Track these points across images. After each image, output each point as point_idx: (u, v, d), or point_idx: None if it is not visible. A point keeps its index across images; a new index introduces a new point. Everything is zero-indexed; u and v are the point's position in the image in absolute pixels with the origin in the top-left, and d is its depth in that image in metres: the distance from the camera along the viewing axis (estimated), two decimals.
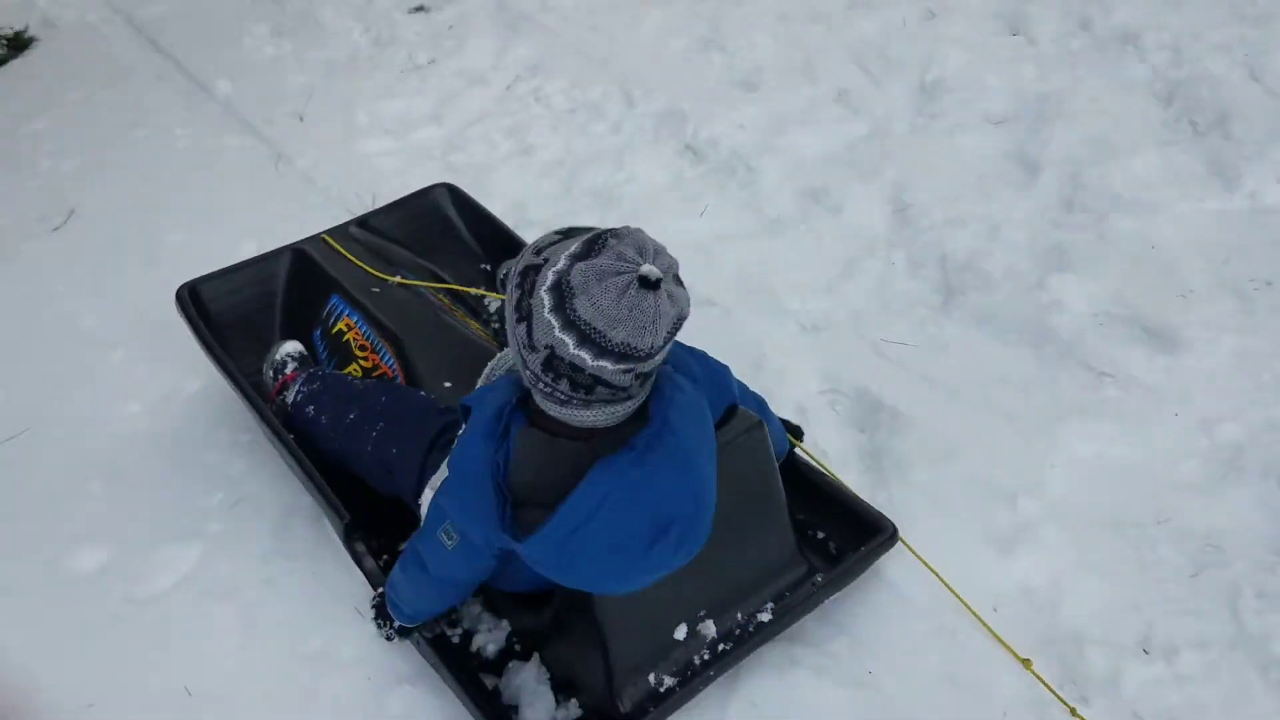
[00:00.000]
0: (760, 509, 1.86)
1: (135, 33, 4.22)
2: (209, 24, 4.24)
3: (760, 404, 1.95)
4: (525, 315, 1.37)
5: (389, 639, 1.89)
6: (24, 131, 3.54)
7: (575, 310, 1.31)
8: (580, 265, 1.31)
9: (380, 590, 1.90)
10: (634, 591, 1.58)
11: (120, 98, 3.79)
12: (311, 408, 2.13)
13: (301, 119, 3.59)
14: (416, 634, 1.86)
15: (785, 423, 2.09)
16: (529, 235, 2.76)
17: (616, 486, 1.43)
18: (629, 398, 1.44)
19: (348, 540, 1.98)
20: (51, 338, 2.73)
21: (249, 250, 2.70)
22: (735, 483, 1.69)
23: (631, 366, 1.36)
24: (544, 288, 1.34)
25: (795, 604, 1.87)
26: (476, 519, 1.54)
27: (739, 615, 1.85)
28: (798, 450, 2.09)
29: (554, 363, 1.37)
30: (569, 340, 1.33)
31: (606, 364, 1.34)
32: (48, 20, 4.41)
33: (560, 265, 1.33)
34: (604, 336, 1.31)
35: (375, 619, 1.90)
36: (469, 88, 3.70)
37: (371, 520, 2.00)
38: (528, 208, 3.10)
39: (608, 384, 1.38)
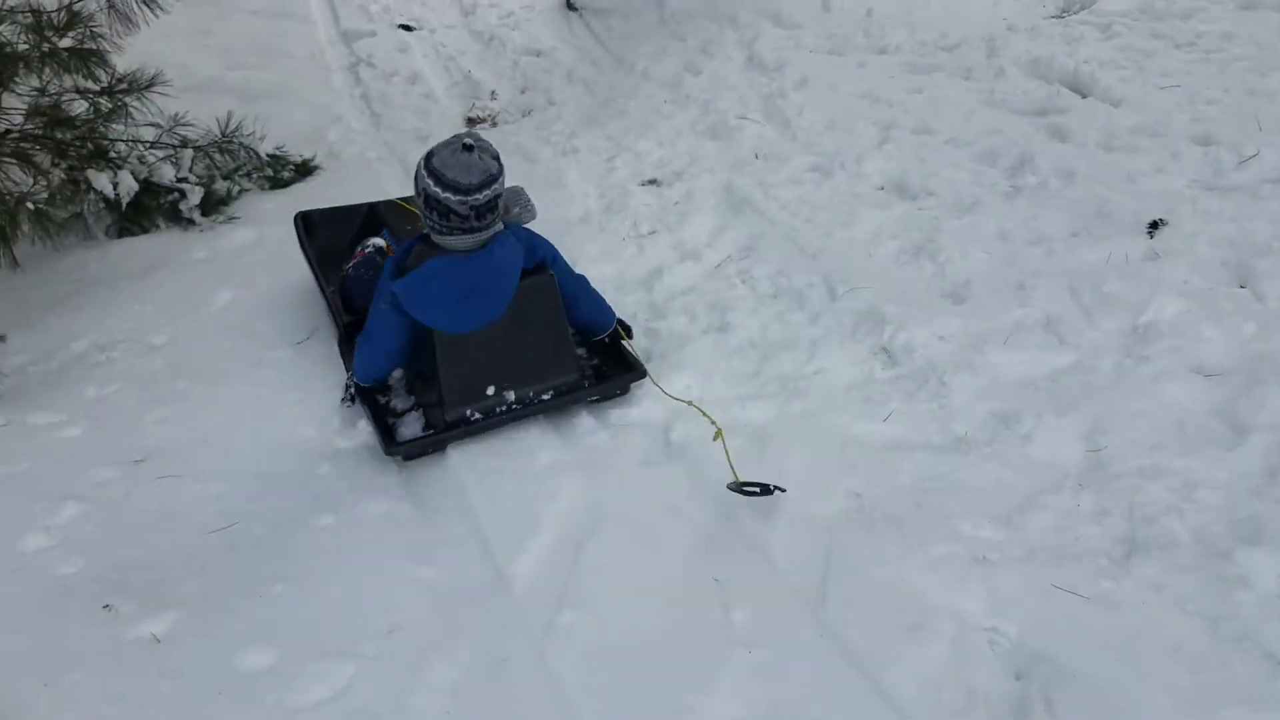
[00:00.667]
0: (548, 329, 3.05)
1: (404, 172, 4.70)
2: None
3: (581, 282, 3.21)
4: (416, 180, 2.76)
5: (348, 403, 3.06)
6: (288, 256, 3.99)
7: (431, 164, 2.70)
8: (437, 145, 2.73)
9: (350, 374, 3.06)
10: (460, 338, 2.87)
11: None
12: (352, 271, 3.35)
13: None
14: (358, 400, 3.03)
15: (621, 321, 3.37)
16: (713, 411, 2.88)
17: (450, 264, 2.77)
18: (471, 230, 2.76)
19: (341, 342, 3.23)
20: (274, 441, 3.02)
21: None
22: (531, 306, 2.98)
23: (464, 199, 2.70)
24: (422, 162, 2.73)
25: (568, 393, 3.07)
26: (387, 280, 2.82)
27: (530, 392, 3.03)
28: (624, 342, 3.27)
29: (426, 198, 2.72)
30: (430, 181, 2.69)
31: (450, 195, 2.69)
32: (333, 152, 5.00)
33: (431, 149, 2.75)
34: (442, 176, 2.68)
35: (343, 399, 3.06)
36: (682, 261, 3.89)
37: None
38: (714, 383, 3.21)
39: (455, 212, 2.72)
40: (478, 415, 2.94)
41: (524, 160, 4.81)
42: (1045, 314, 3.38)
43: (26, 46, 3.56)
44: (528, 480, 2.86)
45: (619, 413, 3.13)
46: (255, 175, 4.46)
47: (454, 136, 2.74)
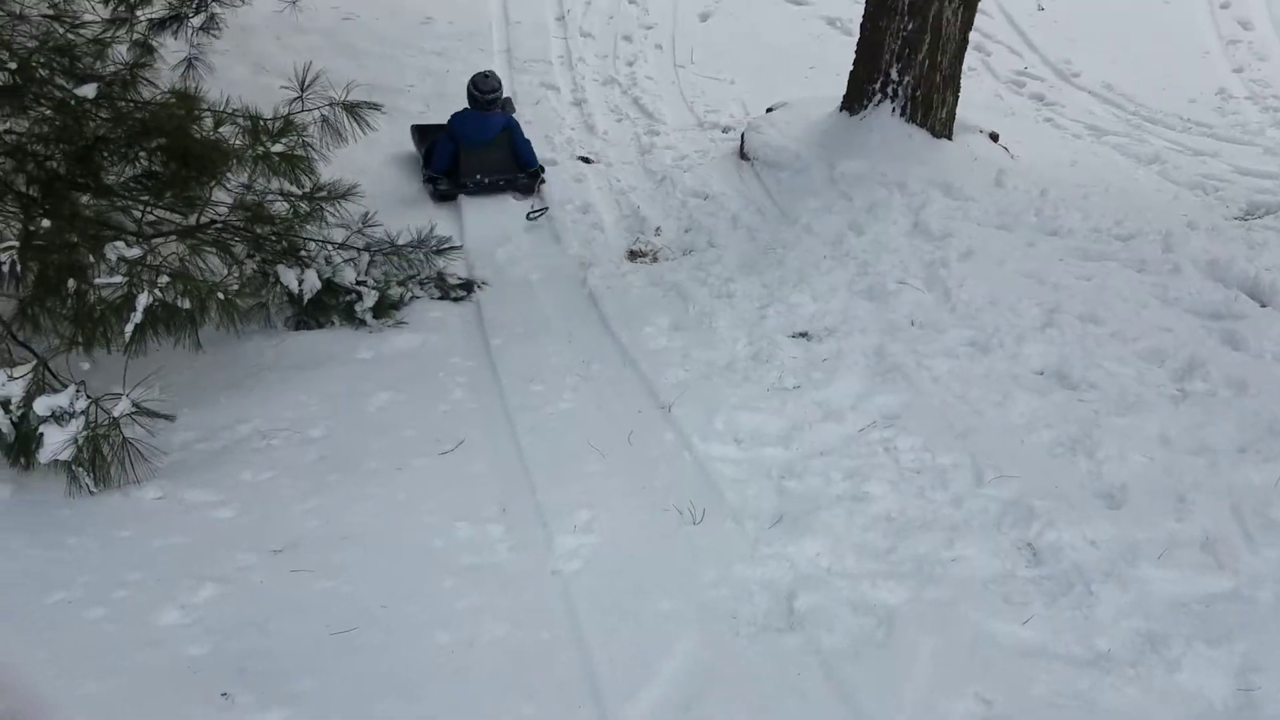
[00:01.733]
0: (505, 153, 6.23)
1: (557, 298, 4.86)
2: (624, 304, 4.80)
3: (526, 143, 6.34)
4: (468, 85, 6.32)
5: (431, 183, 6.05)
6: (447, 363, 4.15)
7: (474, 78, 6.29)
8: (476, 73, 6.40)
9: (427, 172, 6.11)
10: (473, 149, 6.16)
11: (531, 350, 4.35)
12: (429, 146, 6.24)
13: (669, 409, 3.91)
14: (434, 184, 6.05)
15: (540, 166, 6.27)
16: None
17: (473, 114, 6.23)
18: (484, 104, 6.23)
19: (427, 179, 6.11)
20: (406, 548, 3.09)
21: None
22: (501, 142, 6.22)
23: (482, 91, 6.25)
24: (470, 79, 6.33)
25: (507, 185, 6.14)
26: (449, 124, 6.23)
27: (500, 181, 6.09)
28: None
29: (469, 89, 6.27)
30: (470, 85, 6.28)
31: (475, 89, 6.24)
32: (499, 269, 5.21)
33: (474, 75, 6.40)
34: (476, 83, 6.25)
35: (425, 183, 6.11)
36: (824, 420, 3.86)
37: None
38: (844, 554, 3.14)
39: (477, 93, 6.24)
40: (473, 183, 6.10)
41: (678, 298, 4.91)
42: (1204, 532, 3.20)
43: (241, 145, 3.88)
44: (645, 623, 2.83)
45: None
46: (426, 284, 4.68)
47: (483, 71, 6.43)
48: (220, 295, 3.25)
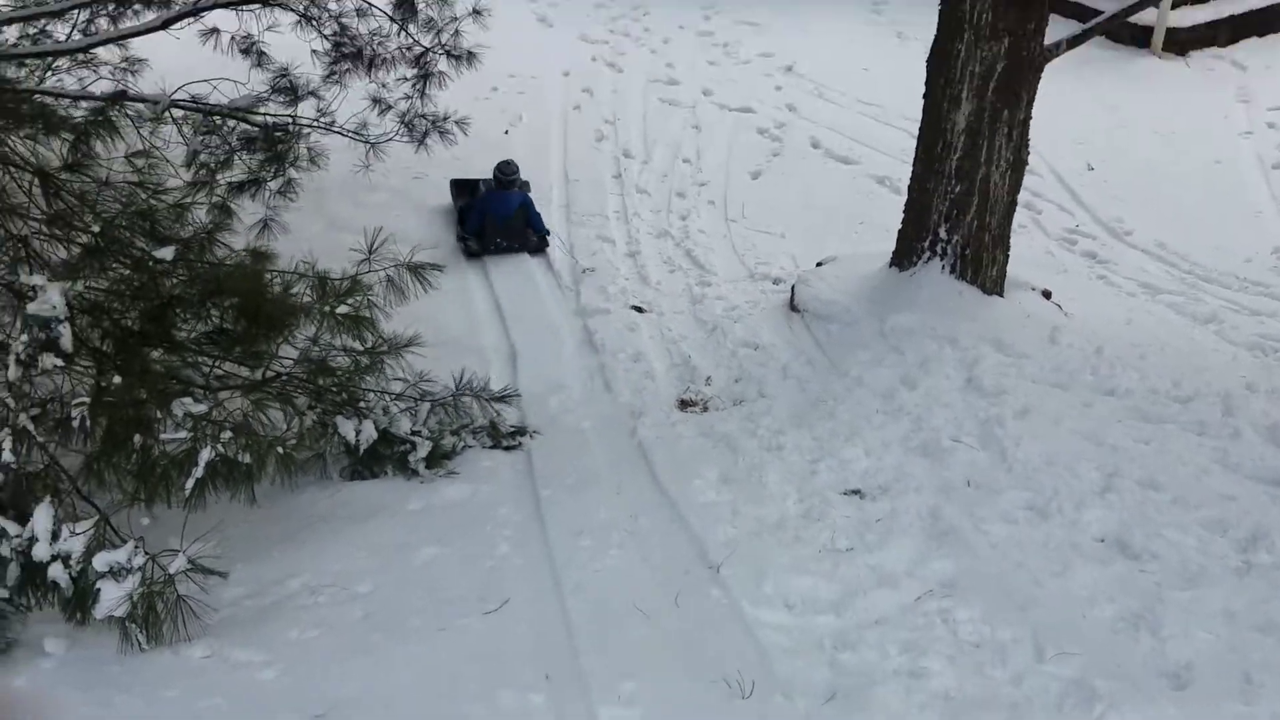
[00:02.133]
0: (520, 224, 7.53)
1: (608, 449, 4.89)
2: (673, 455, 4.81)
3: (537, 216, 7.66)
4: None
5: (463, 242, 7.53)
6: (496, 514, 4.16)
7: (497, 165, 7.67)
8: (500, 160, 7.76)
9: (461, 231, 7.59)
10: (496, 220, 7.51)
11: (579, 502, 4.35)
12: (463, 206, 7.74)
13: (718, 570, 3.86)
14: (466, 244, 7.47)
15: (547, 231, 7.67)
16: None
17: (497, 194, 7.54)
18: (505, 185, 7.55)
19: (459, 235, 7.60)
20: (448, 716, 3.05)
21: None
22: (518, 216, 7.54)
23: (502, 174, 7.61)
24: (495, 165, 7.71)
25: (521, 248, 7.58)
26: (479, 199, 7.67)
27: (516, 245, 7.57)
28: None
29: (494, 174, 7.64)
30: (494, 169, 7.66)
31: (499, 172, 7.56)
32: (552, 418, 5.27)
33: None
34: (499, 168, 7.60)
35: (458, 241, 7.56)
36: (878, 586, 3.79)
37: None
38: None
39: (500, 176, 7.58)
40: (495, 245, 7.43)
41: (728, 450, 4.91)
42: (1273, 715, 3.05)
43: (309, 303, 4.03)
44: None
45: None
46: (479, 433, 4.75)
47: (505, 159, 7.65)
48: (279, 450, 3.31)
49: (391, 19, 6.15)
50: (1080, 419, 4.99)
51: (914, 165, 6.27)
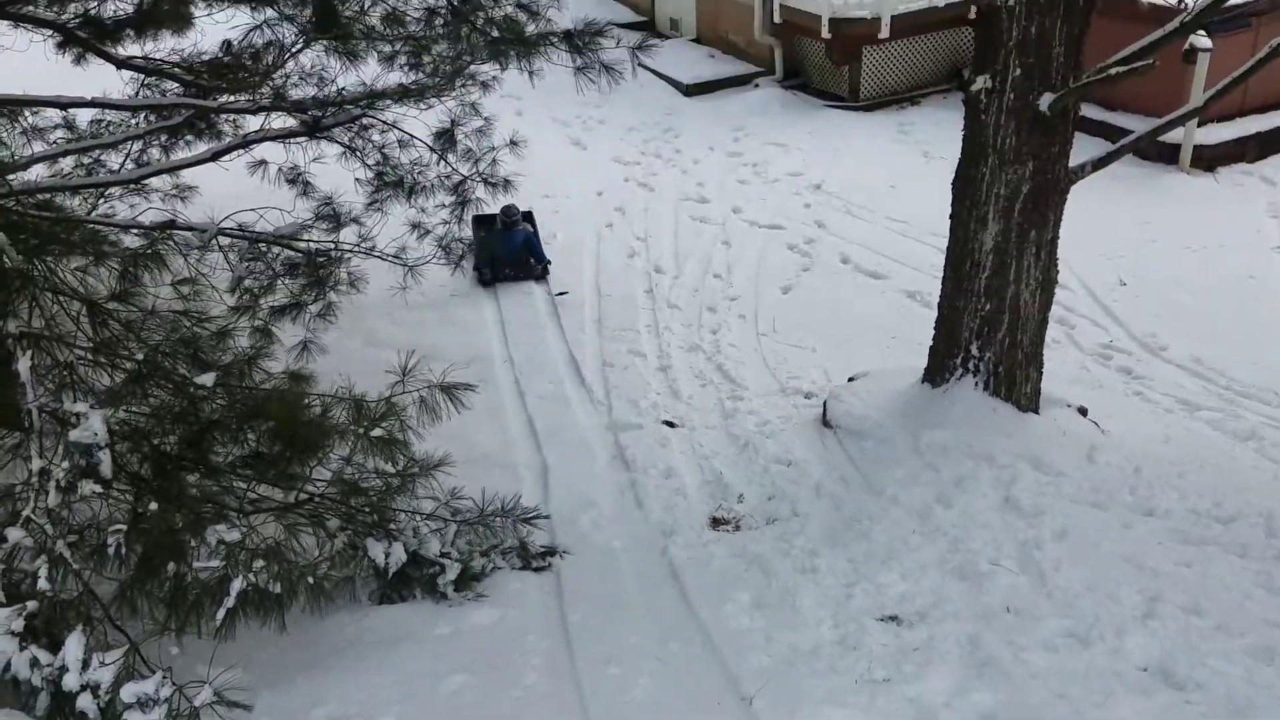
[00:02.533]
0: (524, 256, 8.96)
1: (638, 569, 4.85)
2: (704, 577, 4.75)
3: (539, 249, 9.09)
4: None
5: (478, 272, 8.85)
6: (524, 641, 4.11)
7: (502, 209, 8.69)
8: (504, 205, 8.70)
9: (478, 267, 8.79)
10: (503, 255, 8.93)
11: (609, 627, 4.30)
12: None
13: (751, 702, 3.77)
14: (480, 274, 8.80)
15: (548, 261, 9.07)
16: None
17: (501, 232, 8.90)
18: (509, 226, 8.87)
19: (475, 269, 8.83)
20: None
21: None
22: (522, 250, 8.98)
23: (507, 216, 8.83)
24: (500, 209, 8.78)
25: (526, 277, 8.98)
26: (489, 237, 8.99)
27: (521, 275, 9.00)
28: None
29: (500, 217, 8.84)
30: (500, 213, 8.78)
31: (503, 214, 8.70)
32: (583, 536, 5.25)
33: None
34: (504, 211, 8.74)
35: (474, 270, 8.82)
36: None
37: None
38: None
39: (505, 218, 8.79)
40: (504, 276, 8.75)
41: (761, 573, 4.85)
42: None
43: (343, 424, 4.08)
44: None
45: None
46: (509, 554, 4.73)
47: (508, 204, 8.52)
48: (309, 579, 3.32)
49: (432, 149, 6.37)
50: (1120, 541, 4.90)
51: (943, 284, 6.32)
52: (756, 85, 12.65)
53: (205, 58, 6.41)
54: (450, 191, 6.58)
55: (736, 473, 6.20)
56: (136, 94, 6.26)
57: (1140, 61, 5.32)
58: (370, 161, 6.27)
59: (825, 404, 6.81)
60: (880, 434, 6.30)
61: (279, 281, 5.50)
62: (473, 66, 6.80)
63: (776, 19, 12.13)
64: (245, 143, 5.85)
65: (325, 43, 6.30)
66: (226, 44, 6.40)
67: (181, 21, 6.50)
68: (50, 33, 5.68)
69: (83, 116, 6.72)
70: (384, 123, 6.24)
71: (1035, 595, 4.43)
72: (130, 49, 6.49)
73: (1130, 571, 4.57)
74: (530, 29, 5.78)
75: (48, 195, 6.46)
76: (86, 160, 7.16)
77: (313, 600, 3.56)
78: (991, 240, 5.87)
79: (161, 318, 3.96)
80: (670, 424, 6.97)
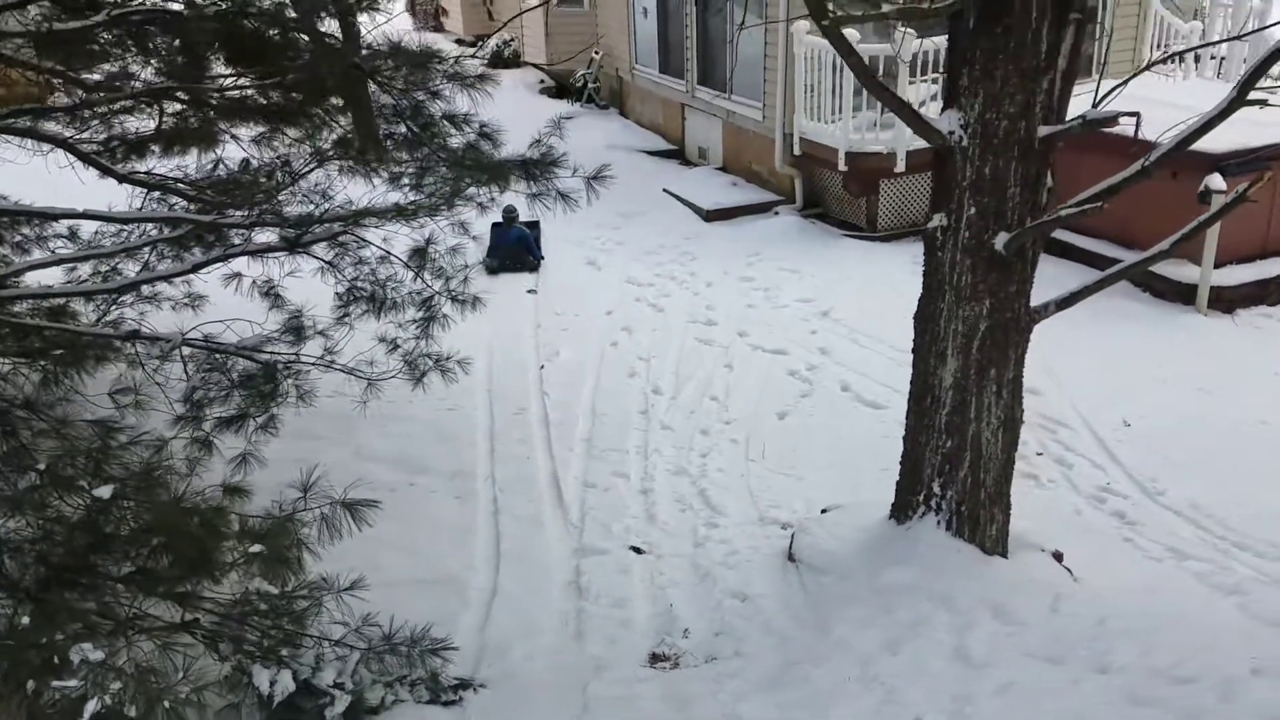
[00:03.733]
0: (521, 252, 11.76)
1: (553, 708, 4.71)
2: None
3: (535, 246, 11.90)
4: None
5: (485, 263, 11.48)
6: None
7: (504, 209, 10.31)
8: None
9: (486, 261, 11.57)
10: (502, 248, 11.75)
11: None
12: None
13: None
14: (486, 264, 11.48)
15: (541, 255, 11.93)
16: None
17: (500, 230, 11.65)
18: (509, 224, 11.52)
19: (483, 260, 11.47)
20: None
21: None
22: (520, 244, 11.81)
23: (507, 214, 11.14)
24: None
25: (522, 269, 11.77)
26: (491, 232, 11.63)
27: (518, 265, 11.73)
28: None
29: (503, 214, 10.79)
30: (502, 212, 10.22)
31: (505, 214, 10.89)
32: (509, 669, 5.14)
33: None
34: (505, 209, 10.52)
35: (483, 261, 11.47)
36: None
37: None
38: None
39: (505, 215, 11.00)
40: (503, 267, 11.49)
41: (680, 717, 4.67)
42: None
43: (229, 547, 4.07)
44: None
45: None
46: (417, 685, 4.63)
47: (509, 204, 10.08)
48: (166, 703, 3.28)
49: (408, 266, 6.53)
50: (1062, 697, 4.64)
51: (906, 417, 6.22)
52: (776, 213, 12.81)
53: (213, 175, 6.67)
54: (419, 307, 6.70)
55: (689, 605, 6.06)
56: (141, 207, 6.52)
57: (1092, 204, 5.28)
58: (347, 276, 6.44)
59: (793, 537, 6.66)
60: (841, 570, 6.13)
61: (234, 393, 5.59)
62: (471, 189, 7.01)
63: (796, 151, 12.35)
64: (225, 256, 6.06)
65: (339, 162, 6.59)
66: (245, 162, 6.69)
67: (209, 140, 6.79)
68: (50, 148, 5.96)
69: (84, 228, 7.02)
70: (363, 240, 6.42)
71: None
72: (140, 165, 6.79)
73: None
74: (494, 156, 5.97)
75: (63, 301, 6.74)
76: (104, 269, 7.47)
77: None
78: (951, 377, 5.78)
79: (76, 427, 4.04)
80: (637, 550, 6.88)
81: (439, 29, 22.40)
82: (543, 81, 17.75)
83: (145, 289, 7.14)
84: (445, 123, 6.14)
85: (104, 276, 7.46)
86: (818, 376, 9.48)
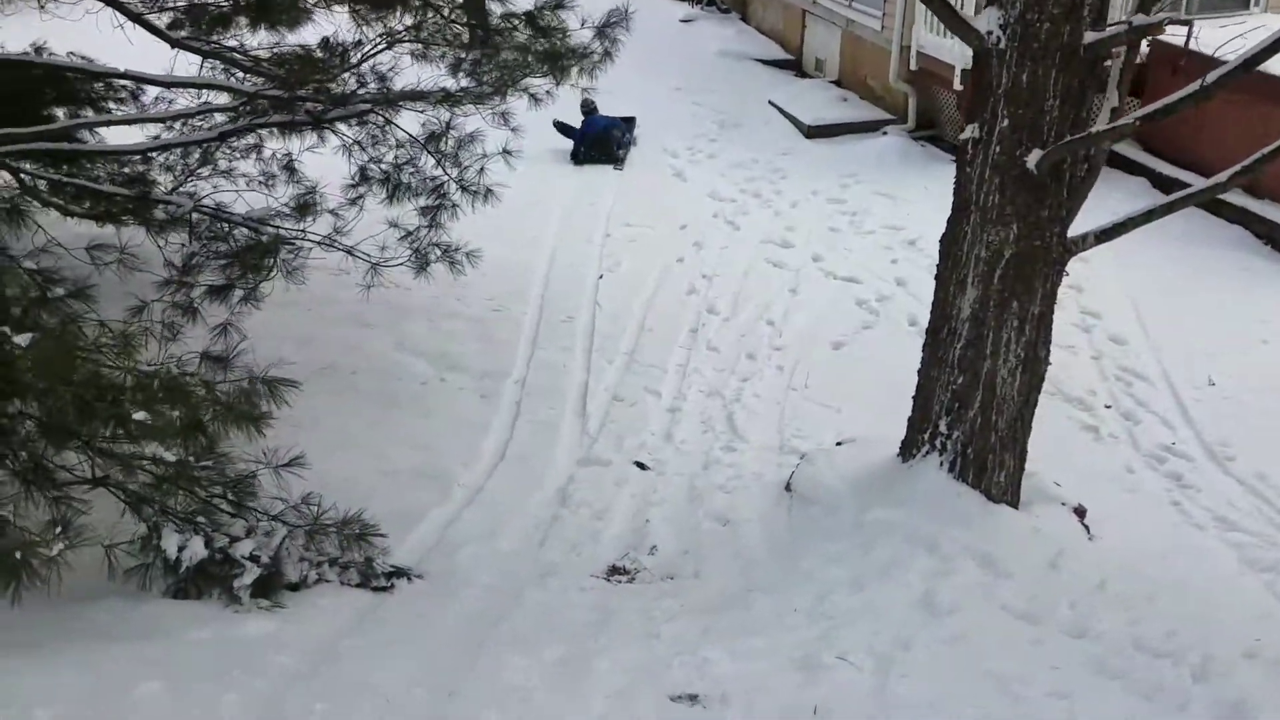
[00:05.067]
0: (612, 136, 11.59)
1: (475, 608, 4.61)
2: (532, 627, 4.47)
3: (623, 138, 11.72)
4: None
5: (573, 154, 11.48)
6: (266, 660, 3.88)
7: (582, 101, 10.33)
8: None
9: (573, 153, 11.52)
10: (590, 137, 11.53)
11: (380, 663, 4.05)
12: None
13: None
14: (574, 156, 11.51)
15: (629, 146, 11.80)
16: None
17: (586, 121, 11.49)
18: (588, 114, 11.40)
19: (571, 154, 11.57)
20: None
21: None
22: (606, 136, 11.55)
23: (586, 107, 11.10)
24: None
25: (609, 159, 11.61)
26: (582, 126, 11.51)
27: (604, 156, 11.52)
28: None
29: (583, 108, 11.11)
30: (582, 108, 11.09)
31: (583, 108, 11.14)
32: (453, 568, 5.08)
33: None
34: (583, 103, 10.65)
35: (573, 157, 11.54)
36: None
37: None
38: None
39: (584, 110, 11.23)
40: (590, 157, 11.39)
41: (597, 629, 4.48)
42: None
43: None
44: None
45: None
46: (348, 569, 4.62)
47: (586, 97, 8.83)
48: (19, 554, 3.29)
49: (420, 145, 6.42)
50: (1012, 658, 4.25)
51: (922, 350, 5.76)
52: (884, 133, 12.09)
53: (274, 49, 6.59)
54: (429, 194, 6.59)
55: (668, 524, 5.87)
56: (199, 74, 6.53)
57: (1121, 121, 4.66)
58: (364, 158, 6.37)
59: (796, 467, 6.33)
60: (830, 503, 5.79)
61: (234, 263, 5.62)
62: (526, 80, 6.82)
63: (913, 65, 11.58)
64: (251, 126, 6.08)
65: (409, 44, 6.52)
66: (325, 40, 6.61)
67: (299, 15, 6.70)
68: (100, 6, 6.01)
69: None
70: (393, 122, 6.33)
71: (860, 699, 3.90)
72: (222, 38, 6.75)
73: (989, 693, 3.95)
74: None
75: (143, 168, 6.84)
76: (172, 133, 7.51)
77: (31, 578, 3.49)
78: (969, 307, 5.31)
79: (13, 274, 4.10)
80: (642, 465, 6.70)
81: None
82: None
83: (222, 163, 7.14)
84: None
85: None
86: (886, 308, 8.98)
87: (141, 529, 4.14)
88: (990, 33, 4.90)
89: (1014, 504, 5.59)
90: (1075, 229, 5.24)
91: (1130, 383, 7.74)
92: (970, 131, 5.15)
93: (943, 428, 5.56)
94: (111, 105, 7.06)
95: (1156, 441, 7.04)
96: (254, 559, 4.30)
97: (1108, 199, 10.09)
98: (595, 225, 10.37)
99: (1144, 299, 8.69)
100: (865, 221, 10.43)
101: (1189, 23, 5.17)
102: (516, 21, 6.38)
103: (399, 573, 4.78)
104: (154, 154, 6.17)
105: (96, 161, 6.12)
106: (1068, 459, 6.66)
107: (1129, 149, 10.48)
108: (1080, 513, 5.72)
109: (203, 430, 3.98)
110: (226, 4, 6.41)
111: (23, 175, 5.72)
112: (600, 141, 11.49)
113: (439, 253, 6.59)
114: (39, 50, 6.75)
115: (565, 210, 10.53)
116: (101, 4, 5.93)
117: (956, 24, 5.04)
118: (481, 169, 6.55)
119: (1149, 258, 8.82)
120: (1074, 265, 5.60)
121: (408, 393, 7.43)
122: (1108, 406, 7.50)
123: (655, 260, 9.69)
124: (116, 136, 7.49)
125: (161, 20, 6.35)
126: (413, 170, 6.51)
